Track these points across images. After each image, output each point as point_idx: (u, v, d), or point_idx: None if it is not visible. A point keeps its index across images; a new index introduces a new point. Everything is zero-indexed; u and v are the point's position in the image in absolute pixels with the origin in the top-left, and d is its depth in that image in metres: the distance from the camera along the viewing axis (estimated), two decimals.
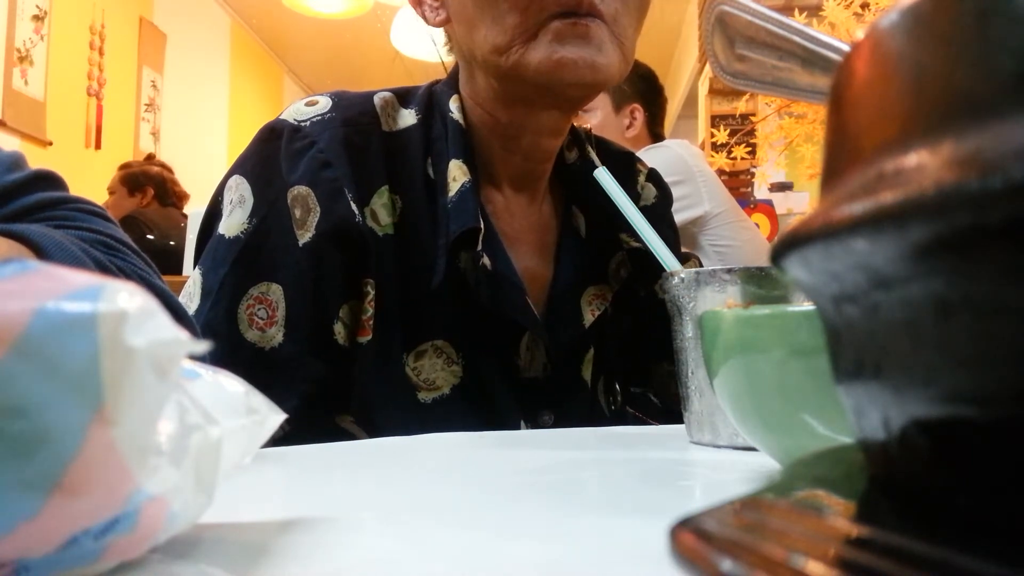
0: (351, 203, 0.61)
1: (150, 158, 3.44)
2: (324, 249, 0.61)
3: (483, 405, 0.64)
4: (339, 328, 0.61)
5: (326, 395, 0.61)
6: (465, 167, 0.65)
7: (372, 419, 0.62)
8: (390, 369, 0.63)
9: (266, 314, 0.60)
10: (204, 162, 4.41)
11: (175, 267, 2.34)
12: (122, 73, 3.95)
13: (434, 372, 0.64)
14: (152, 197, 3.08)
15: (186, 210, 3.11)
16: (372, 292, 0.62)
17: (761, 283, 0.46)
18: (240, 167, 0.65)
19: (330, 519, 0.29)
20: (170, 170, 3.21)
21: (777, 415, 0.32)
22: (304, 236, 0.61)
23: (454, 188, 0.64)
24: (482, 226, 0.63)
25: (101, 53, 3.77)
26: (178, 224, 2.90)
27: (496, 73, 0.64)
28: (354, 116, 0.65)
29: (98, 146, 3.72)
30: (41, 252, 0.42)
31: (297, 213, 0.61)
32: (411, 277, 0.64)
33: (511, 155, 0.70)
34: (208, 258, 0.62)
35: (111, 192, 3.11)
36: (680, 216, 1.17)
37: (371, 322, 0.62)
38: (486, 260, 0.63)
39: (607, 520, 0.30)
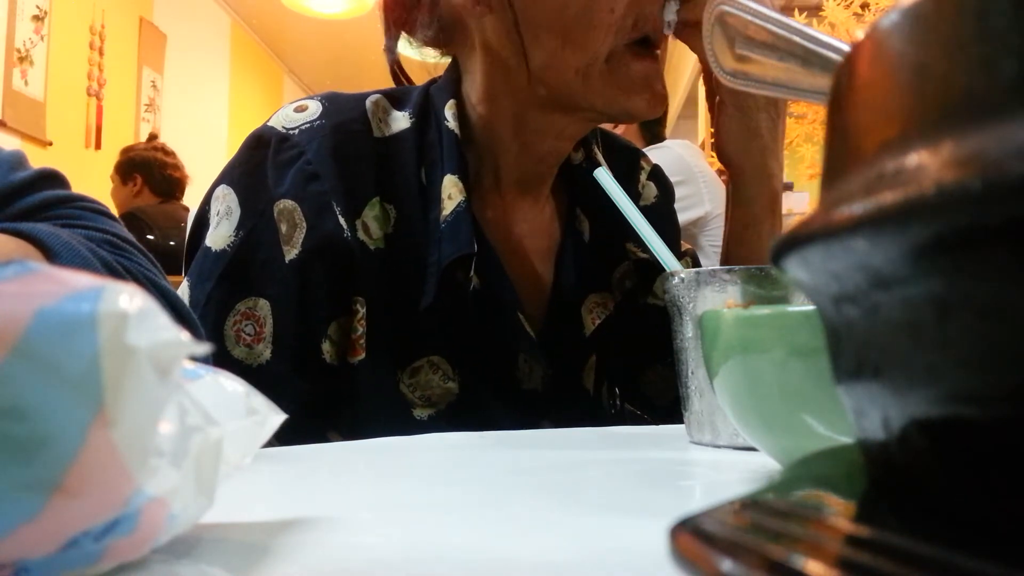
0: (339, 217, 0.60)
1: (151, 139, 3.32)
2: (310, 267, 0.59)
3: (480, 420, 0.64)
4: (327, 347, 0.60)
5: (315, 413, 0.60)
6: (460, 184, 0.63)
7: (363, 437, 0.61)
8: (384, 387, 0.62)
9: (253, 330, 0.59)
10: (204, 162, 4.40)
11: (175, 267, 2.33)
12: (122, 73, 3.95)
13: (430, 388, 0.63)
14: (142, 184, 2.99)
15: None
16: (362, 310, 0.61)
17: (761, 283, 0.46)
18: (227, 176, 0.63)
19: (330, 519, 0.29)
20: (167, 152, 3.08)
21: (777, 415, 0.32)
22: (290, 253, 0.59)
23: (449, 207, 0.62)
24: (475, 249, 0.61)
25: (101, 53, 3.76)
26: (179, 223, 2.86)
27: (558, 85, 0.63)
28: (344, 122, 0.63)
29: (98, 146, 3.72)
30: (49, 252, 0.42)
31: (283, 228, 0.60)
32: (404, 292, 0.62)
33: (525, 158, 0.68)
34: (195, 271, 0.61)
35: (112, 181, 3.07)
36: (681, 216, 1.17)
37: (362, 341, 0.61)
38: (476, 283, 0.63)
39: (607, 520, 0.30)
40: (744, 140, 0.69)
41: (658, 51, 0.64)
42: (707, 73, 0.68)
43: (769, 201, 0.71)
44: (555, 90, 0.63)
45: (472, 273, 0.62)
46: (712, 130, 0.73)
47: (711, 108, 0.71)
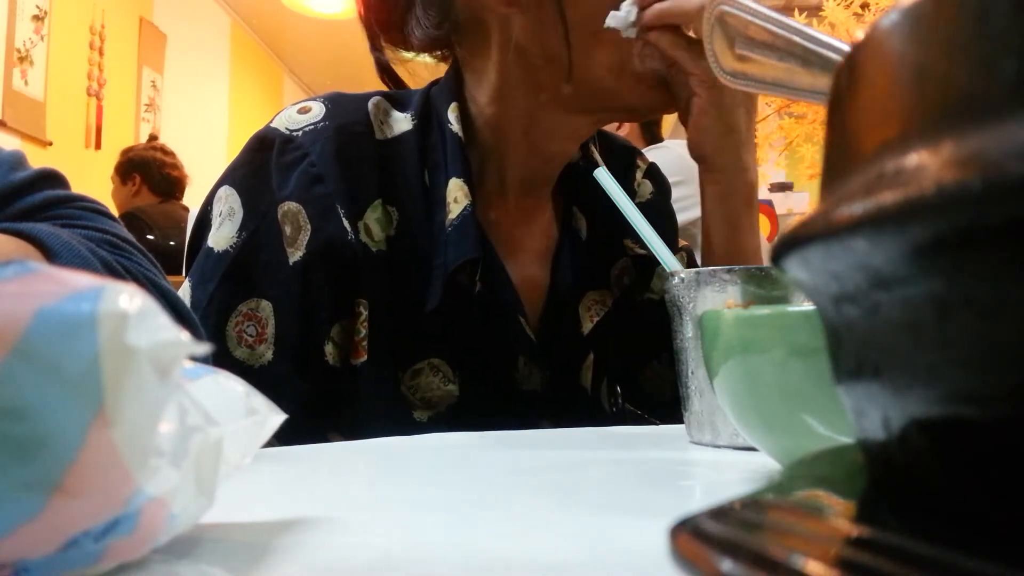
0: (343, 219, 0.60)
1: (151, 139, 3.36)
2: (314, 269, 0.60)
3: (480, 422, 0.64)
4: (330, 348, 0.60)
5: (315, 414, 0.60)
6: (466, 187, 0.63)
7: (363, 438, 0.61)
8: (385, 389, 0.62)
9: (255, 331, 0.59)
10: (204, 163, 4.41)
11: (175, 267, 2.33)
12: (122, 73, 3.95)
13: (430, 391, 0.63)
14: (141, 184, 3.01)
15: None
16: (365, 313, 0.61)
17: (761, 283, 0.46)
18: (230, 177, 0.63)
19: (330, 519, 0.29)
20: (166, 152, 3.09)
21: (777, 415, 0.32)
22: (294, 255, 0.60)
23: (455, 211, 0.62)
24: (483, 254, 0.62)
25: (101, 53, 3.76)
26: (179, 223, 2.86)
27: (590, 82, 0.63)
28: (348, 124, 0.63)
29: (98, 146, 3.72)
30: (49, 252, 0.42)
31: (288, 230, 0.60)
32: (406, 294, 0.62)
33: (533, 158, 0.68)
34: (197, 272, 0.61)
35: (112, 182, 3.09)
36: (681, 216, 1.16)
37: (365, 343, 0.61)
38: (479, 286, 0.63)
39: (607, 520, 0.30)
40: (722, 137, 0.68)
41: None
42: (674, 69, 0.65)
43: (746, 196, 0.70)
44: (586, 87, 0.64)
45: (477, 275, 0.62)
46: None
47: (682, 106, 0.68)
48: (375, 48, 0.72)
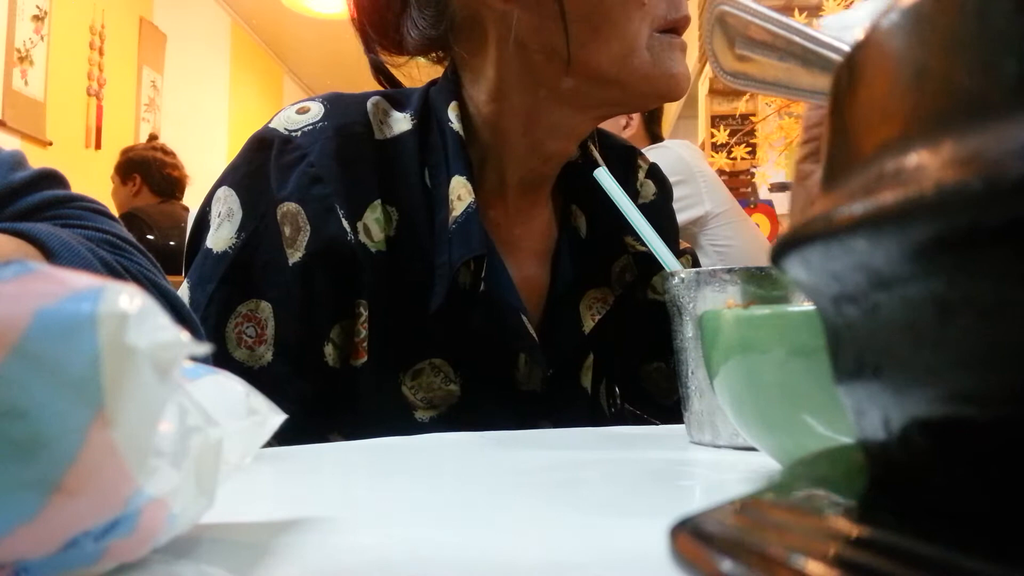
0: (342, 220, 0.60)
1: (151, 139, 3.36)
2: (314, 270, 0.59)
3: (481, 422, 0.63)
4: (330, 349, 0.60)
5: (315, 415, 0.60)
6: (469, 185, 0.62)
7: (365, 438, 0.61)
8: (386, 389, 0.62)
9: (255, 332, 0.59)
10: (204, 162, 4.41)
11: (175, 267, 2.33)
12: (122, 73, 3.95)
13: (432, 390, 0.63)
14: (141, 184, 3.01)
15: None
16: (365, 313, 0.61)
17: (761, 283, 0.46)
18: (229, 178, 0.63)
19: (330, 519, 0.29)
20: (166, 151, 3.09)
21: (777, 415, 0.32)
22: (294, 255, 0.59)
23: (459, 208, 0.62)
24: (486, 250, 0.61)
25: (101, 53, 3.76)
26: (179, 223, 2.86)
27: (591, 75, 0.62)
28: (347, 124, 0.63)
29: (98, 146, 3.72)
30: (48, 252, 0.42)
31: (287, 231, 0.60)
32: (407, 294, 0.62)
33: (532, 157, 0.68)
34: (195, 272, 0.61)
35: (112, 182, 3.09)
36: (681, 216, 1.16)
37: (365, 344, 0.61)
38: (483, 286, 0.63)
39: (607, 520, 0.30)
40: None
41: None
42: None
43: None
44: (587, 80, 0.63)
45: (482, 274, 0.62)
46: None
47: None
48: (369, 50, 0.72)
